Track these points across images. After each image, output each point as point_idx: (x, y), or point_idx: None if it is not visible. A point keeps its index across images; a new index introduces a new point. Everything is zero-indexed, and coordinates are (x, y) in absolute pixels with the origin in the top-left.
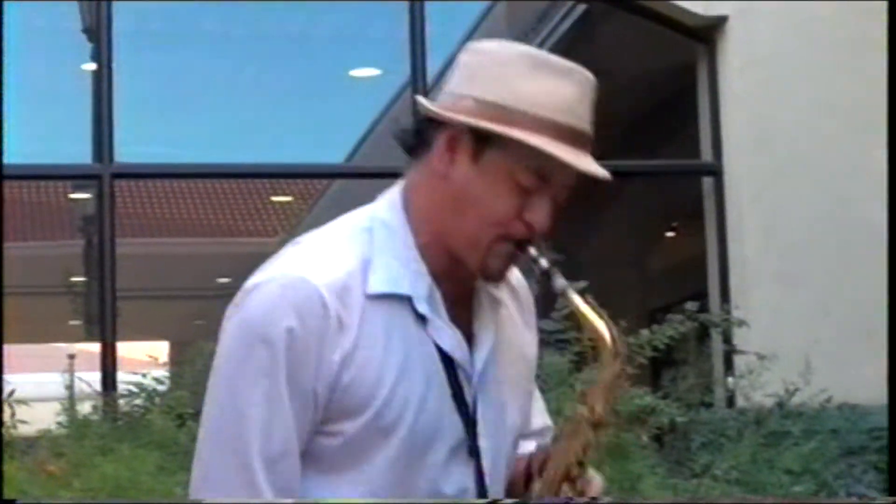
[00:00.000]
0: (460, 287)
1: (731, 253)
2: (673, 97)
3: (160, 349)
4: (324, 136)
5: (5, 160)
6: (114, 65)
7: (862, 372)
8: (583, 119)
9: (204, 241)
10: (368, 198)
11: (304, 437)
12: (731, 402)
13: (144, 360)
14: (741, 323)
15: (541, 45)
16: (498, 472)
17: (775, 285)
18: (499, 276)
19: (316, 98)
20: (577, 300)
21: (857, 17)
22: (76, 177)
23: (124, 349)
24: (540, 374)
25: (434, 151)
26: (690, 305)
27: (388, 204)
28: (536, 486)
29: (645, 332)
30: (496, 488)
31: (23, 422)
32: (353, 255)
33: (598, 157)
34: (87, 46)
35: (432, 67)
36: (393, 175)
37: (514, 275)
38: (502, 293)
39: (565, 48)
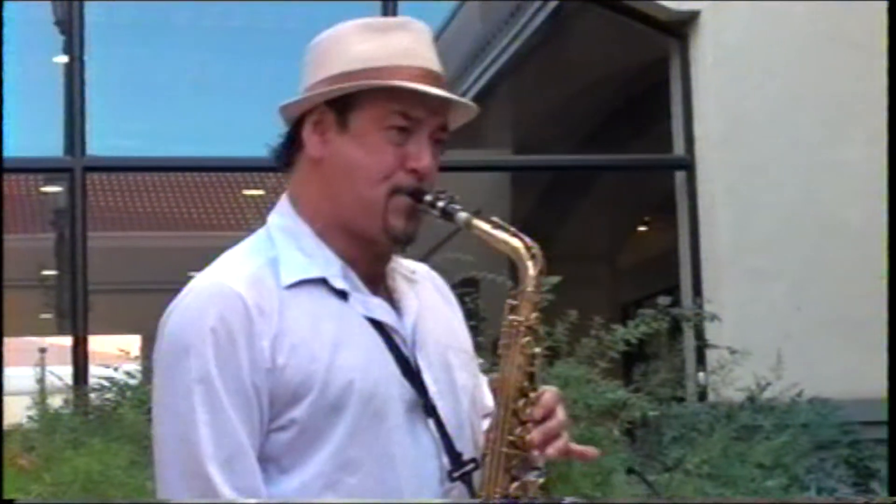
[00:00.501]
0: (372, 268)
1: (703, 247)
2: (645, 92)
3: (132, 343)
4: None
5: None
6: (85, 58)
7: (833, 366)
8: (427, 60)
9: (176, 235)
10: None
11: (257, 435)
12: (702, 396)
13: (116, 353)
14: (713, 317)
15: (512, 41)
16: (463, 431)
17: (747, 280)
18: (404, 234)
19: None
20: (484, 225)
21: (829, 13)
22: (48, 170)
23: (96, 343)
24: None
25: (306, 144)
26: (662, 300)
27: (278, 212)
28: (494, 412)
29: (620, 329)
30: (464, 446)
31: None
32: (259, 258)
33: (570, 150)
34: (59, 39)
35: None
36: None
37: (423, 266)
38: (416, 276)
39: (537, 44)
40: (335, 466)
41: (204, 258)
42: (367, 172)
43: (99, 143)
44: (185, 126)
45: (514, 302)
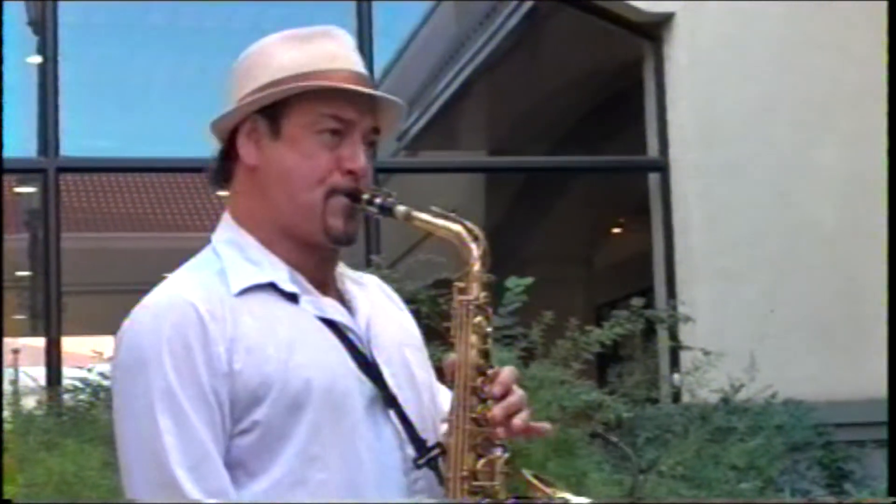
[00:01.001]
0: (319, 272)
1: (676, 249)
2: (619, 93)
3: (105, 344)
4: None
5: None
6: (59, 58)
7: (806, 368)
8: (353, 63)
9: (150, 236)
10: None
11: (220, 440)
12: (676, 397)
13: (89, 354)
14: (687, 319)
15: (487, 43)
16: (425, 422)
17: (721, 281)
18: (344, 235)
19: None
20: (424, 216)
21: (803, 15)
22: (21, 171)
23: (69, 344)
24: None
25: (241, 154)
26: (636, 301)
27: (221, 228)
28: (453, 392)
29: (596, 331)
30: (427, 435)
31: None
32: (207, 271)
33: (544, 152)
34: (33, 39)
35: (379, 65)
36: None
37: (370, 276)
38: (364, 281)
39: (512, 46)
40: (301, 464)
41: (178, 259)
42: (302, 176)
43: (72, 144)
44: (159, 127)
45: (461, 284)
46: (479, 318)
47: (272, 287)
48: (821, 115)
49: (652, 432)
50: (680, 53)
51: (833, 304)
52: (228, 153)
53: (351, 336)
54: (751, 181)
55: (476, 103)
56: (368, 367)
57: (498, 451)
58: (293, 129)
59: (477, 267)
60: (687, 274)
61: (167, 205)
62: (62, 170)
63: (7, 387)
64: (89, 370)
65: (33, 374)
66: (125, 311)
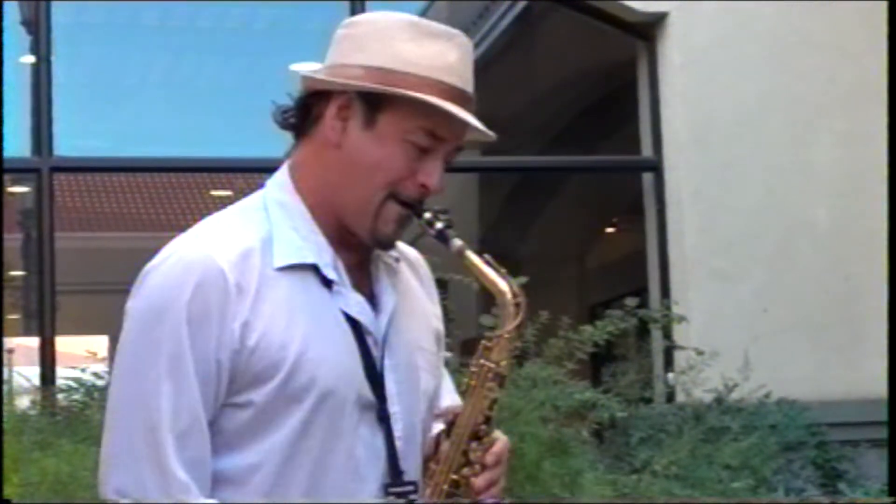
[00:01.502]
0: (356, 255)
1: (670, 249)
2: (613, 93)
3: (99, 344)
4: (263, 130)
5: None
6: (52, 58)
7: (800, 368)
8: (466, 81)
9: (144, 236)
10: None
11: (210, 409)
12: (670, 397)
13: (83, 354)
14: (681, 319)
15: (480, 43)
16: (413, 436)
17: (715, 281)
18: (390, 242)
19: (255, 92)
20: (476, 259)
21: (797, 14)
22: (14, 170)
23: (63, 344)
24: None
25: (324, 123)
26: (630, 301)
27: (276, 185)
28: (444, 445)
29: (588, 329)
30: (410, 450)
31: None
32: (252, 234)
33: (538, 152)
34: (26, 39)
35: None
36: None
37: (412, 251)
38: (400, 265)
39: (505, 45)
40: (283, 455)
41: None
42: (376, 174)
43: (66, 144)
44: (153, 127)
45: (489, 344)
46: (492, 385)
47: (312, 269)
48: (815, 114)
49: (646, 432)
50: (673, 53)
51: (827, 305)
52: (308, 107)
53: (368, 339)
54: (745, 181)
55: None
56: (375, 376)
57: None
58: (387, 126)
59: (508, 335)
60: (681, 273)
61: (161, 204)
62: (56, 169)
63: None
64: (83, 370)
65: (27, 373)
66: (119, 311)
